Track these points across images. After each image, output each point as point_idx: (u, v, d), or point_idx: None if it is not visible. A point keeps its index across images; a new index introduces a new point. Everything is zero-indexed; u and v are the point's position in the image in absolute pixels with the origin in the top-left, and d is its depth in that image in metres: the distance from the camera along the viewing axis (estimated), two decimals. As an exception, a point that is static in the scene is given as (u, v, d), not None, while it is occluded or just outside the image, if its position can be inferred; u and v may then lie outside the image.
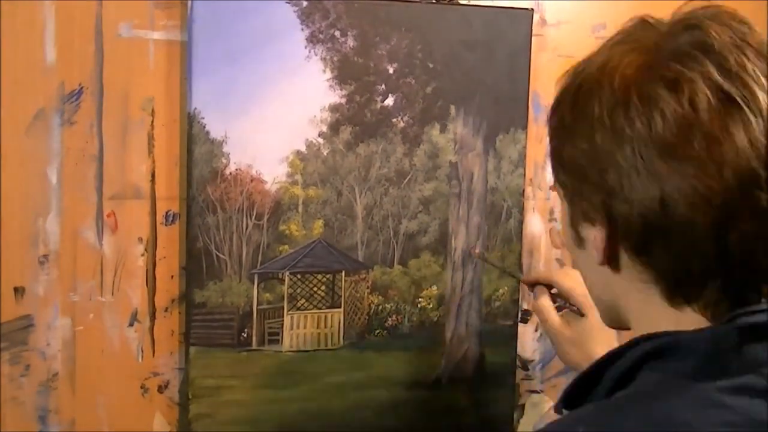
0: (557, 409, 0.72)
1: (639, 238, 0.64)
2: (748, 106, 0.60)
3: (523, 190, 1.34)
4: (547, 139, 0.72)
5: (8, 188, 1.11)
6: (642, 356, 0.64)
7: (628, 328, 0.72)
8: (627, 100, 0.62)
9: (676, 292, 0.65)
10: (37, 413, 1.15)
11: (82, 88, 1.13)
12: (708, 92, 0.60)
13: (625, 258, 0.66)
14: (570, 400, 0.70)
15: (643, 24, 0.67)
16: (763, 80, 0.61)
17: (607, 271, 0.69)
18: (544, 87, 1.35)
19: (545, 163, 1.37)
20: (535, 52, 1.32)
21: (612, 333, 1.02)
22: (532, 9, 1.31)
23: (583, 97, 0.66)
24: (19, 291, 1.13)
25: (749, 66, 0.61)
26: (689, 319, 0.65)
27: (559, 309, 1.07)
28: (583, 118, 0.65)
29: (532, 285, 1.10)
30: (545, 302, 1.07)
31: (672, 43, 0.63)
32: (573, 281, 1.08)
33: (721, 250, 0.61)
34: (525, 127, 1.32)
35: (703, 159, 0.59)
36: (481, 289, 1.33)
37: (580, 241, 0.71)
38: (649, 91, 0.61)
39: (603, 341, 1.02)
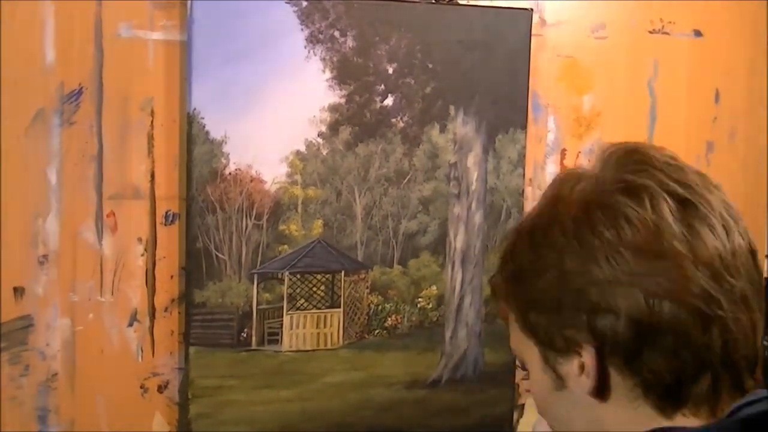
0: None
1: (629, 346, 0.63)
2: (705, 207, 0.63)
3: (523, 190, 1.34)
4: (506, 306, 0.71)
5: (8, 188, 1.11)
6: None
7: None
8: (590, 215, 0.64)
9: (667, 399, 0.64)
10: (37, 413, 1.15)
11: (81, 88, 1.13)
12: (666, 196, 0.63)
13: (615, 377, 0.65)
14: None
15: (574, 170, 0.70)
16: (705, 189, 0.65)
17: (593, 404, 0.67)
18: (544, 87, 1.35)
19: (545, 163, 1.37)
20: (535, 52, 1.32)
21: None
22: (532, 9, 1.31)
23: (540, 234, 0.67)
24: (18, 291, 1.13)
25: (691, 177, 0.65)
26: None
27: None
28: (547, 251, 0.66)
29: None
30: None
31: (616, 166, 0.66)
32: None
33: (708, 341, 0.62)
34: (524, 127, 1.32)
35: (676, 254, 0.62)
36: (481, 289, 1.33)
37: (559, 382, 0.69)
38: (609, 202, 0.64)
39: None
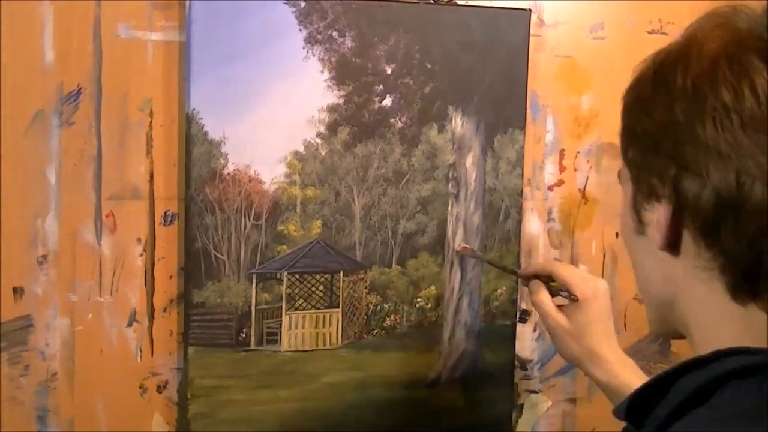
0: (618, 414, 0.67)
1: (708, 218, 0.60)
2: None
3: (521, 190, 1.34)
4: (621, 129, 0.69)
5: (7, 189, 1.11)
6: (727, 372, 0.59)
7: (681, 336, 0.68)
8: (715, 68, 0.59)
9: (742, 284, 0.61)
10: (36, 413, 1.16)
11: (80, 88, 1.13)
12: None
13: (688, 242, 0.63)
14: (633, 408, 0.65)
15: (722, 9, 0.64)
16: None
17: (667, 259, 0.65)
18: (542, 87, 1.35)
19: (543, 163, 1.37)
20: (533, 52, 1.32)
21: (610, 326, 1.02)
22: (530, 9, 1.31)
23: (665, 69, 0.64)
24: (18, 291, 1.13)
25: None
26: (756, 322, 0.61)
27: (553, 295, 1.07)
28: (664, 89, 0.63)
29: (528, 279, 1.10)
30: (543, 296, 1.06)
31: (763, 23, 0.61)
32: (571, 269, 1.07)
33: None
34: (523, 128, 1.32)
35: None
36: (480, 289, 1.33)
37: (640, 226, 0.67)
38: (740, 60, 0.59)
39: (602, 334, 1.01)
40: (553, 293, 1.07)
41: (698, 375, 0.60)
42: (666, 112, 0.62)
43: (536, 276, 1.09)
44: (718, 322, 0.63)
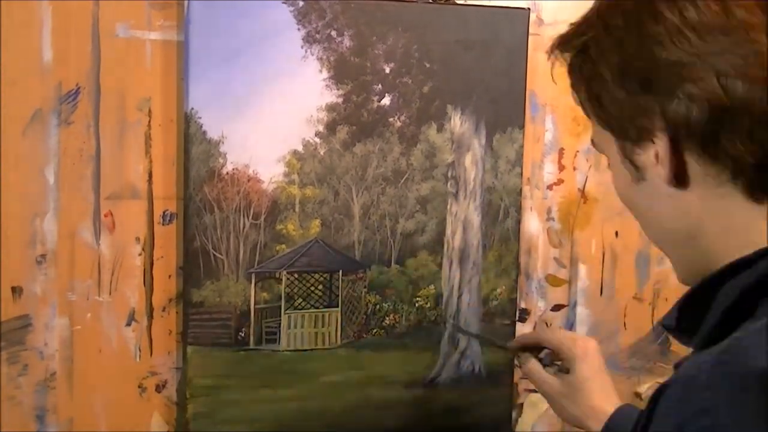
0: (667, 325, 0.68)
1: (704, 130, 0.62)
2: None
3: (521, 189, 1.34)
4: (577, 96, 0.71)
5: (6, 188, 1.11)
6: None
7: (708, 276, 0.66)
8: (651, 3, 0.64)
9: (757, 183, 0.62)
10: (35, 413, 1.16)
11: (79, 88, 1.13)
12: None
13: (693, 165, 0.64)
14: (682, 317, 0.66)
15: None
16: None
17: (676, 194, 0.66)
18: (541, 86, 1.35)
19: (542, 162, 1.37)
20: (532, 51, 1.32)
21: (608, 380, 1.00)
22: (529, 9, 1.31)
23: (606, 18, 0.67)
24: (16, 291, 1.13)
25: None
26: None
27: (544, 365, 1.05)
28: (614, 36, 0.66)
29: (516, 352, 1.09)
30: (534, 366, 1.05)
31: None
32: (559, 333, 1.07)
33: None
34: (522, 126, 1.32)
35: (746, 26, 0.60)
36: (479, 288, 1.33)
37: (638, 172, 0.68)
38: None
39: (601, 390, 0.99)
40: (544, 364, 1.06)
41: (743, 277, 0.61)
42: (619, 54, 0.65)
43: (524, 347, 1.08)
44: (747, 229, 0.63)
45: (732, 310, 0.60)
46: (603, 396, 0.99)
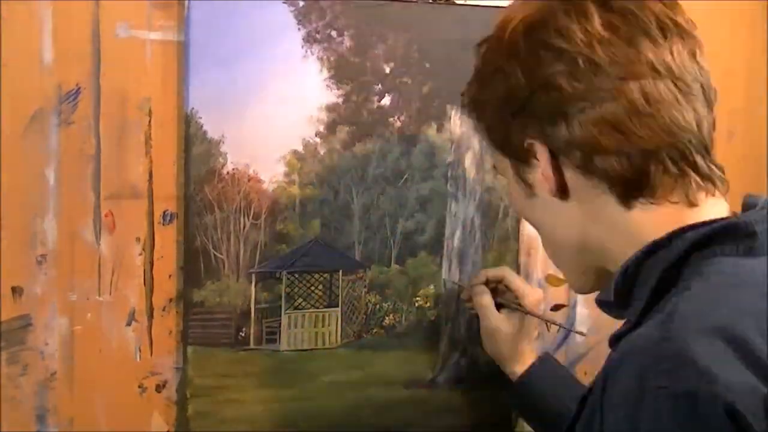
0: (603, 305, 0.77)
1: (580, 152, 0.71)
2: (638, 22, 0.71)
3: (520, 190, 1.34)
4: (474, 128, 0.82)
5: (6, 188, 1.11)
6: (691, 245, 0.67)
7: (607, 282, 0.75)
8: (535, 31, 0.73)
9: (629, 193, 0.71)
10: (36, 413, 1.16)
11: (79, 88, 1.13)
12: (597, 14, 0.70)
13: (572, 179, 0.73)
14: (609, 301, 0.74)
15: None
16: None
17: (561, 206, 0.74)
18: (541, 86, 1.35)
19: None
20: (532, 51, 1.32)
21: (536, 332, 1.19)
22: (529, 8, 1.31)
23: (489, 55, 0.79)
24: (17, 291, 1.13)
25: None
26: (656, 217, 0.71)
27: (498, 307, 1.18)
28: (493, 69, 0.76)
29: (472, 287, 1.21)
30: (488, 299, 1.17)
31: None
32: (519, 281, 1.18)
33: (645, 134, 0.70)
34: (522, 127, 1.32)
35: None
36: (479, 288, 1.33)
37: (528, 189, 0.76)
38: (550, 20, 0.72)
39: (532, 339, 1.17)
40: (502, 305, 1.18)
41: (662, 254, 0.68)
42: (503, 84, 0.74)
43: (487, 281, 1.19)
44: (628, 230, 0.72)
45: (659, 284, 0.68)
46: (531, 343, 1.16)
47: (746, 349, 0.58)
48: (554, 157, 0.72)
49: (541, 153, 0.72)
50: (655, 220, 0.71)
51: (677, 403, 0.56)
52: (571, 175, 0.72)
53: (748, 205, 0.74)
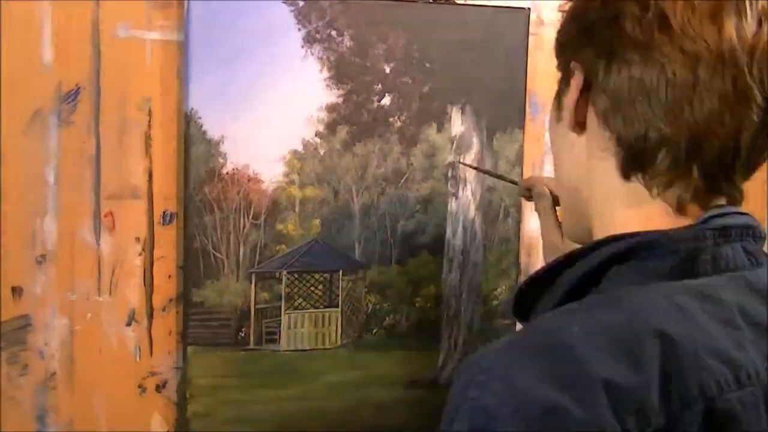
0: (514, 312, 0.73)
1: (613, 101, 0.66)
2: None
3: (521, 190, 1.34)
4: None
5: (6, 188, 1.11)
6: (609, 258, 0.64)
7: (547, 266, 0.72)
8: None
9: (631, 161, 0.66)
10: (36, 413, 1.16)
11: (79, 88, 1.13)
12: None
13: (592, 119, 0.68)
14: (522, 304, 0.70)
15: None
16: None
17: (575, 140, 0.70)
18: (541, 86, 1.35)
19: (542, 162, 1.37)
20: (532, 51, 1.32)
21: None
22: (529, 8, 1.31)
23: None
24: (17, 291, 1.13)
25: None
26: (645, 202, 0.66)
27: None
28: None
29: (528, 189, 1.16)
30: (549, 205, 1.10)
31: None
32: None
33: (674, 118, 0.63)
34: (522, 126, 1.32)
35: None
36: (479, 288, 1.33)
37: (558, 111, 0.72)
38: None
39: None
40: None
41: (581, 264, 0.65)
42: (586, 4, 0.69)
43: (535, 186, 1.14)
44: (609, 201, 0.68)
45: (570, 294, 0.64)
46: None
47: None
48: (587, 89, 0.67)
49: (576, 79, 0.68)
50: (637, 213, 0.67)
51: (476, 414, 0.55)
52: (591, 118, 0.68)
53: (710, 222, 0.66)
